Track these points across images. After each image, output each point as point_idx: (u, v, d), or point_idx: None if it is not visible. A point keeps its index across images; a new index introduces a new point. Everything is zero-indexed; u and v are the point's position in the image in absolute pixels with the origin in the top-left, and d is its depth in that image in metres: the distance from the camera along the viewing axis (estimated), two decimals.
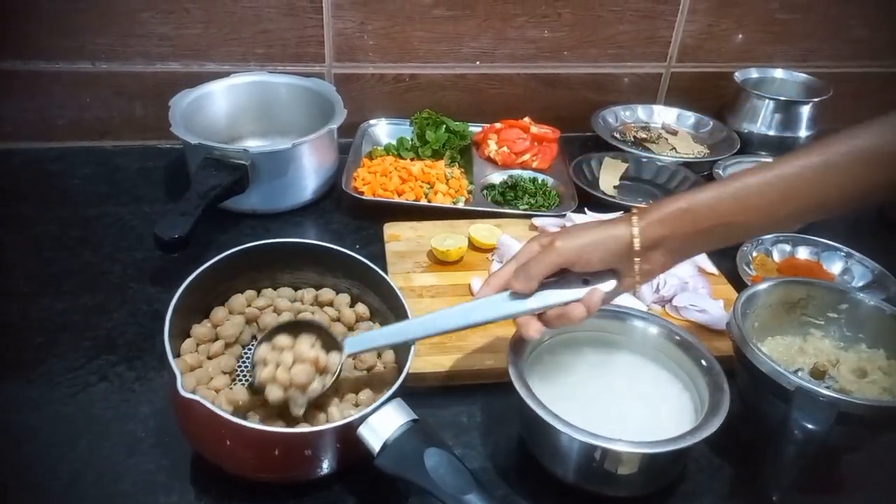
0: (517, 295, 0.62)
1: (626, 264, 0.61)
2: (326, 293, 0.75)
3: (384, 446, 0.57)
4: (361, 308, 0.75)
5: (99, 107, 1.16)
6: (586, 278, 0.62)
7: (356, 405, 0.66)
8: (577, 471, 0.61)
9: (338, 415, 0.63)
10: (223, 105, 1.11)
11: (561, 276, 0.62)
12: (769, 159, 1.11)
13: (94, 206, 1.03)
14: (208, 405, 0.55)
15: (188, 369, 0.65)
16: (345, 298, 0.76)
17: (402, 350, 0.68)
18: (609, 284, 0.62)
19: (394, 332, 0.66)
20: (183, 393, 0.55)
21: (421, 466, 0.55)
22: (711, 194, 0.60)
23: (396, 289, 0.70)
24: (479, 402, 0.74)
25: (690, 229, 0.60)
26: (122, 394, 0.72)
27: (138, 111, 1.18)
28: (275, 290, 0.76)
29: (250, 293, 0.74)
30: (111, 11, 1.10)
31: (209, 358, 0.67)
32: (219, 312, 0.71)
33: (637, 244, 0.60)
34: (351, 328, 0.74)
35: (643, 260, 0.60)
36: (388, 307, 0.72)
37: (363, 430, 0.58)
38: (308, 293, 0.75)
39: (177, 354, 0.66)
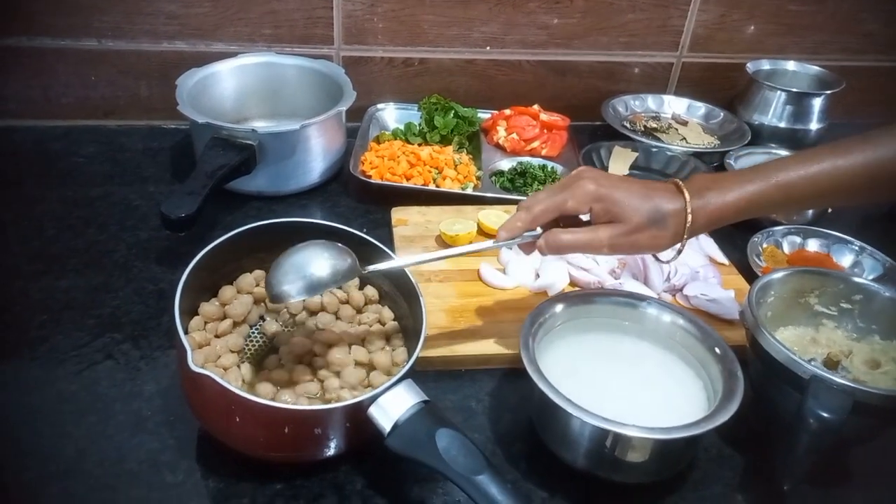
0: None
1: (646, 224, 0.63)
2: None
3: (395, 426, 0.56)
4: (371, 291, 0.74)
5: (104, 85, 1.15)
6: None
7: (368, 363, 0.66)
8: (588, 456, 0.61)
9: (353, 377, 0.64)
10: (230, 85, 1.10)
11: None
12: (781, 151, 1.12)
13: (98, 186, 1.02)
14: (219, 380, 0.54)
15: (196, 346, 0.64)
16: (354, 281, 0.75)
17: (411, 334, 0.67)
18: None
19: (407, 260, 0.69)
20: (193, 367, 0.54)
21: (433, 447, 0.54)
22: (757, 188, 0.63)
23: (408, 271, 0.69)
24: (488, 388, 0.73)
25: (732, 219, 0.64)
26: (128, 372, 0.72)
27: (144, 90, 1.16)
28: None
29: (259, 273, 0.73)
30: None
31: (217, 336, 0.67)
32: (227, 291, 0.70)
33: (688, 231, 0.63)
34: (359, 311, 0.73)
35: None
36: (399, 290, 0.72)
37: (374, 411, 0.57)
38: None
39: (185, 331, 0.65)
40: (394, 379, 0.59)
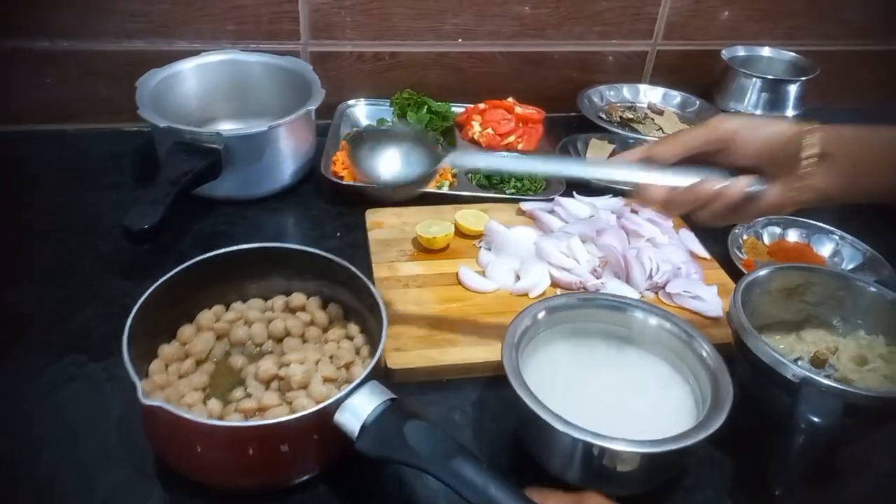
0: (653, 162, 0.58)
1: (784, 168, 0.54)
2: (297, 298, 0.72)
3: (363, 428, 0.54)
4: (334, 309, 0.72)
5: (61, 88, 1.10)
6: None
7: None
8: (577, 469, 0.59)
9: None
10: (193, 85, 1.05)
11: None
12: None
13: (59, 194, 0.97)
14: (173, 409, 0.52)
15: (157, 389, 0.61)
16: (316, 301, 0.72)
17: (375, 333, 0.65)
18: (754, 184, 0.55)
19: (500, 162, 0.69)
20: (144, 400, 0.52)
21: (403, 442, 0.53)
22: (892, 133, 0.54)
23: (368, 283, 0.67)
24: (472, 397, 0.71)
25: (865, 155, 0.54)
26: (94, 394, 0.68)
27: (104, 92, 1.12)
28: (244, 302, 0.72)
29: (218, 308, 0.70)
30: None
31: (180, 377, 0.64)
32: (186, 330, 0.67)
33: (808, 145, 0.52)
34: (325, 330, 0.70)
35: (806, 169, 0.53)
36: (362, 304, 0.69)
37: (340, 416, 0.55)
38: (278, 301, 0.72)
39: (146, 375, 0.63)
40: (356, 381, 0.57)
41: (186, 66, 1.04)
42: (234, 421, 0.57)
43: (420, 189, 0.72)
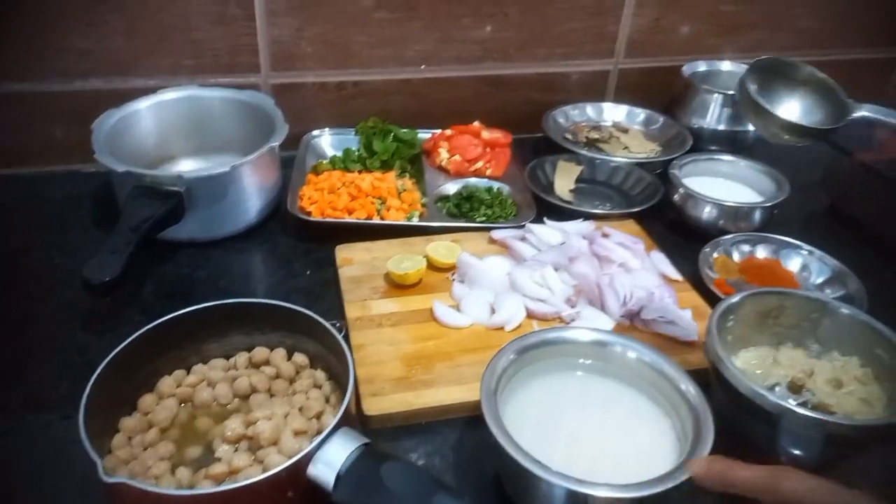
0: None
1: None
2: (260, 352, 0.70)
3: (338, 477, 0.53)
4: (300, 358, 0.70)
5: (13, 130, 1.06)
6: None
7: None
8: None
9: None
10: (151, 124, 1.03)
11: None
12: (725, 157, 1.11)
13: (15, 241, 0.94)
14: (135, 484, 0.49)
15: (121, 465, 0.59)
16: (280, 353, 0.70)
17: (344, 377, 0.63)
18: None
19: None
20: (105, 479, 0.49)
21: (380, 486, 0.52)
22: None
23: (331, 329, 0.65)
24: (451, 440, 0.70)
25: None
26: (58, 461, 0.65)
27: (59, 133, 1.08)
28: (205, 364, 0.70)
29: (179, 373, 0.68)
30: (21, 25, 1.00)
31: (144, 449, 0.61)
32: (147, 399, 0.65)
33: None
34: (292, 381, 0.69)
35: None
36: (328, 349, 0.67)
37: (313, 469, 0.54)
38: (241, 357, 0.70)
39: (109, 451, 0.61)
40: (326, 432, 0.55)
41: (143, 105, 1.02)
42: (202, 489, 0.54)
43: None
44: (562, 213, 1.01)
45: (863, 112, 0.58)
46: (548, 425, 0.63)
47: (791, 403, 0.58)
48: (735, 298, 0.70)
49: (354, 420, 0.65)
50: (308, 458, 0.54)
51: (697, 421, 0.59)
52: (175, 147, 1.07)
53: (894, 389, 0.64)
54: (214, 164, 0.92)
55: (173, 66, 1.09)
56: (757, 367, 0.71)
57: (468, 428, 0.71)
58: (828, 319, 0.70)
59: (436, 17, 1.14)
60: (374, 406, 0.70)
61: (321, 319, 0.67)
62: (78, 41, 1.03)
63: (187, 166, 1.06)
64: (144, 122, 1.02)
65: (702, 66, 1.27)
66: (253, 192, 0.95)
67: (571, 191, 1.10)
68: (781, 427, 0.56)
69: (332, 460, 0.54)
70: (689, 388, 0.62)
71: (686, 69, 1.25)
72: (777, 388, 0.68)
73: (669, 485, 0.54)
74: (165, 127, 1.04)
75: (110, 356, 0.61)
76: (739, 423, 0.63)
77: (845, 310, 0.70)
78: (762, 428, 0.59)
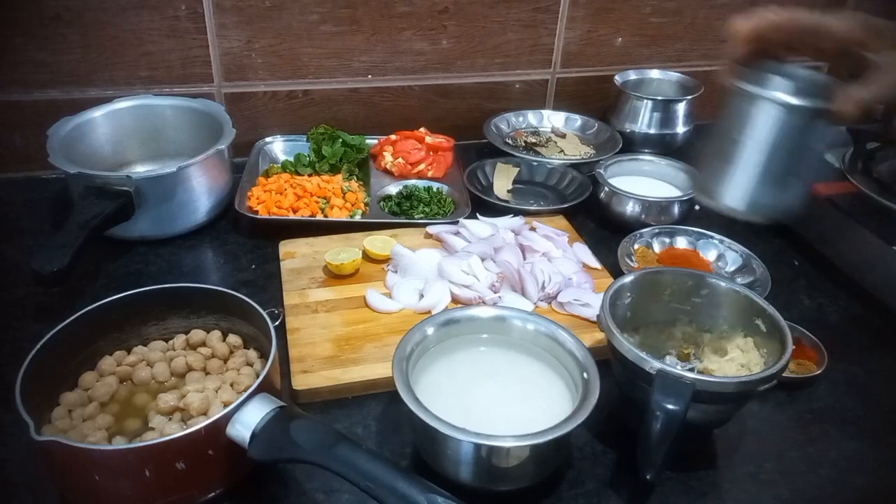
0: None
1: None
2: (196, 334, 0.75)
3: (253, 435, 0.59)
4: (233, 339, 0.75)
5: None
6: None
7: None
8: (467, 470, 0.64)
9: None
10: (106, 131, 1.09)
11: None
12: (646, 157, 1.19)
13: None
14: (66, 441, 0.55)
15: (59, 433, 0.63)
16: (216, 335, 0.76)
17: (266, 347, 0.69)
18: None
19: None
20: (37, 437, 0.54)
21: (290, 442, 0.57)
22: None
23: (259, 309, 0.71)
24: (375, 412, 0.76)
25: None
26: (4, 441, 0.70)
27: (18, 141, 1.14)
28: (145, 346, 0.75)
29: (120, 353, 0.73)
30: None
31: (84, 421, 0.66)
32: (88, 377, 0.70)
33: None
34: (226, 360, 0.74)
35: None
36: (259, 330, 0.73)
37: (231, 429, 0.59)
38: (179, 339, 0.75)
39: (49, 421, 0.65)
40: (245, 395, 0.61)
41: (98, 113, 1.08)
42: (127, 444, 0.59)
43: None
44: (498, 212, 1.08)
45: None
46: (456, 396, 0.69)
47: (665, 364, 0.65)
48: (626, 278, 0.76)
49: (280, 394, 0.70)
50: (226, 419, 0.59)
51: (585, 382, 0.66)
52: (131, 153, 1.13)
53: (770, 355, 0.71)
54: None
55: (129, 77, 1.15)
56: (654, 341, 0.78)
57: (392, 403, 0.77)
58: (715, 295, 0.77)
59: (378, 31, 1.22)
60: (302, 382, 0.76)
61: (252, 302, 0.72)
62: (35, 54, 1.09)
63: (139, 171, 1.11)
64: (100, 130, 1.08)
65: (632, 75, 1.35)
66: (202, 193, 1.01)
67: (509, 191, 1.17)
68: (654, 384, 0.63)
69: (248, 421, 0.59)
70: (578, 349, 0.69)
71: (618, 78, 1.33)
72: (667, 358, 0.75)
73: (558, 434, 0.60)
74: (120, 134, 1.10)
75: (50, 333, 0.66)
76: (630, 388, 0.70)
77: (728, 285, 0.77)
78: (647, 389, 0.66)
